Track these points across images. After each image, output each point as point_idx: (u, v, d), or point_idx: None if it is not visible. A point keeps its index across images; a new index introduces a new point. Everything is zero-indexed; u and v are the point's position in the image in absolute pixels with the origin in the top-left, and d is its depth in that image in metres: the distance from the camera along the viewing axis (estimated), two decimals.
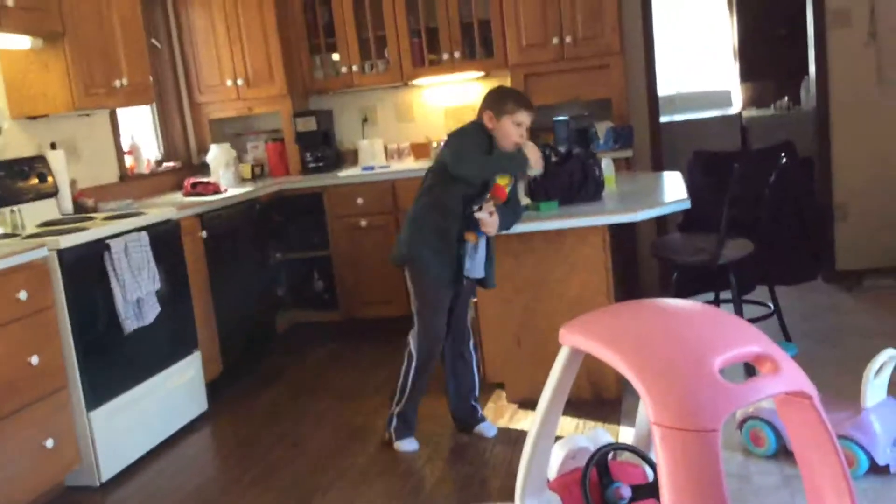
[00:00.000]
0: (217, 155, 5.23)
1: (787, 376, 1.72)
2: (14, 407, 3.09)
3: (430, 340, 3.39)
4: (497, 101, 3.29)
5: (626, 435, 3.27)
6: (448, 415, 3.64)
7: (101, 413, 3.45)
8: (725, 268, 3.87)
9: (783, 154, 3.94)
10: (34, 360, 3.18)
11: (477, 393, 3.61)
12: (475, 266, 3.40)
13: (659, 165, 5.28)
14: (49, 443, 3.22)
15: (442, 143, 3.51)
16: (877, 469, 2.80)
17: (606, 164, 3.98)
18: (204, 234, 4.34)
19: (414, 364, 3.41)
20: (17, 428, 3.10)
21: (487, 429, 3.57)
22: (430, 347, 3.40)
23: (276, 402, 4.24)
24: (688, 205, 3.58)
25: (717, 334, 1.79)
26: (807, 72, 5.50)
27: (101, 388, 3.46)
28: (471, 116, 5.43)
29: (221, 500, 3.25)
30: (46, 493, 3.31)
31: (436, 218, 3.29)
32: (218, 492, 3.32)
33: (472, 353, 3.58)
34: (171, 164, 5.35)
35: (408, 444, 3.49)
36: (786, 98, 6.83)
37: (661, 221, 5.11)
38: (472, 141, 3.27)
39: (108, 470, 3.48)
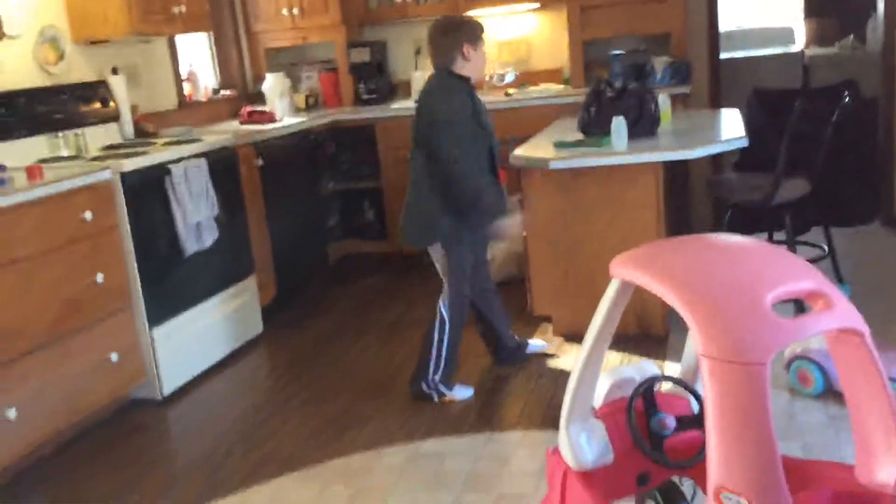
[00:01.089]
0: (272, 84, 5.26)
1: (840, 313, 1.72)
2: (81, 323, 3.24)
3: (463, 301, 3.38)
4: (469, 30, 3.20)
5: (672, 370, 3.30)
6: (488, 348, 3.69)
7: (163, 331, 3.60)
8: (780, 208, 3.82)
9: (846, 93, 3.84)
10: (99, 277, 3.31)
11: None
12: None
13: (716, 103, 5.18)
14: (114, 357, 3.38)
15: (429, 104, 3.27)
16: None
17: (662, 100, 3.92)
18: (260, 161, 4.41)
19: (448, 327, 3.33)
20: (84, 342, 3.25)
21: (540, 344, 3.71)
22: (461, 308, 3.38)
23: (325, 331, 4.35)
24: (745, 143, 3.52)
25: (771, 269, 1.78)
26: (874, 9, 5.30)
27: (162, 307, 3.60)
28: (525, 50, 5.45)
29: (270, 420, 3.38)
30: (113, 403, 3.48)
31: (470, 186, 3.16)
32: (267, 413, 3.45)
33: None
34: (227, 92, 5.41)
35: (463, 391, 3.41)
36: (851, 36, 6.58)
37: (716, 159, 5.04)
38: (464, 112, 3.18)
39: (169, 385, 3.64)
